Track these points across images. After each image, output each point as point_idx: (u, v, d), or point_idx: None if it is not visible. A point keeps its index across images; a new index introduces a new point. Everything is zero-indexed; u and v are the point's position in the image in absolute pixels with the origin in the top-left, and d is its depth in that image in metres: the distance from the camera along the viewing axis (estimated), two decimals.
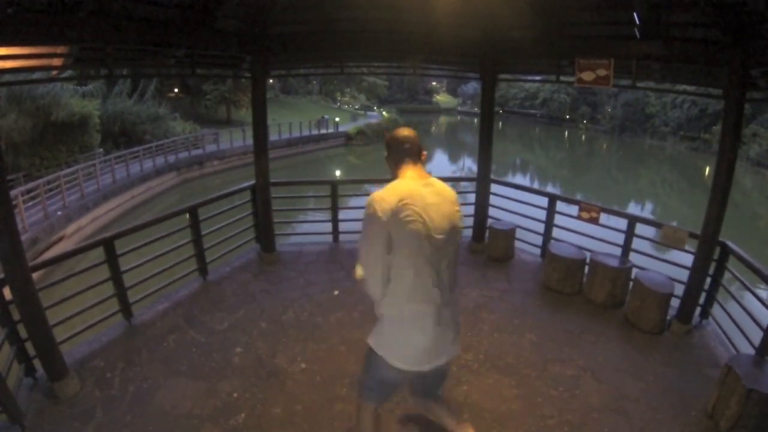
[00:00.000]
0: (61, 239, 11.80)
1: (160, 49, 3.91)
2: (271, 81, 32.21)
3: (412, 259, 1.81)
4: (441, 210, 1.84)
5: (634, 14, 3.70)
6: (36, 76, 7.40)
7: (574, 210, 5.11)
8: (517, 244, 5.65)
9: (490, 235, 5.48)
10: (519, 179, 25.60)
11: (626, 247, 4.73)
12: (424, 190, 1.85)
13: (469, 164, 29.20)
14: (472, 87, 60.02)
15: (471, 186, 5.94)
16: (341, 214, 5.92)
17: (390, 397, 2.22)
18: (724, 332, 3.97)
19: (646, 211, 20.66)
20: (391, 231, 1.78)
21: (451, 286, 1.95)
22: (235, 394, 3.19)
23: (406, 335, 1.91)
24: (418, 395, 2.26)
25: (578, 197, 8.14)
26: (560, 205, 5.43)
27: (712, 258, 3.96)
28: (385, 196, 1.82)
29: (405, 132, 2.00)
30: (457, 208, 1.93)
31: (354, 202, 12.00)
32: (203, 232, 4.74)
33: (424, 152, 1.99)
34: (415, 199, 1.80)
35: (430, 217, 1.81)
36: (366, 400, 2.17)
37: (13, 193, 9.84)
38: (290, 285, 4.82)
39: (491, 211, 5.86)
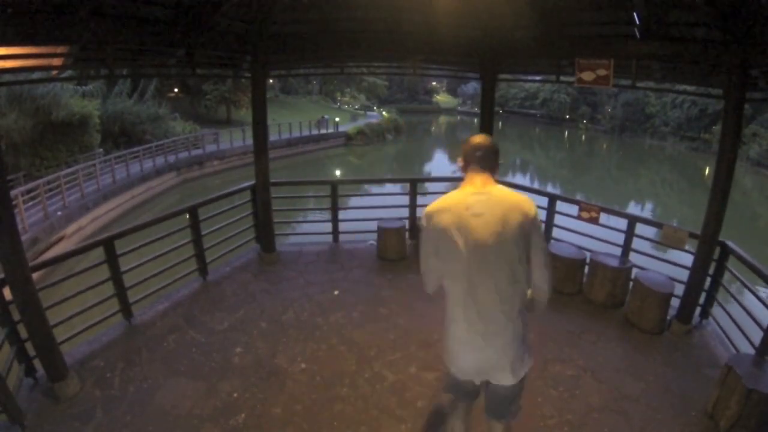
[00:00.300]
0: (61, 239, 11.80)
1: (160, 49, 3.91)
2: (271, 81, 32.21)
3: (458, 272, 1.80)
4: (486, 221, 1.73)
5: (634, 14, 3.70)
6: (36, 76, 7.40)
7: (574, 210, 5.10)
8: None
9: None
10: (519, 179, 25.59)
11: (626, 247, 4.73)
12: (472, 199, 1.78)
13: None
14: (472, 87, 60.01)
15: None
16: (341, 214, 5.92)
17: (466, 399, 2.17)
18: (724, 332, 3.97)
19: (646, 211, 20.65)
20: (434, 242, 1.82)
21: (510, 307, 1.81)
22: (235, 394, 3.19)
23: (457, 345, 1.92)
24: (486, 413, 2.16)
25: (578, 197, 8.14)
26: (560, 205, 5.42)
27: (712, 258, 3.96)
28: (432, 207, 1.84)
29: (478, 139, 1.89)
30: (520, 217, 1.74)
31: (354, 202, 12.04)
32: (203, 232, 4.74)
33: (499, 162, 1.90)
34: (455, 210, 1.77)
35: (470, 228, 1.74)
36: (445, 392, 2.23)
37: (13, 193, 9.83)
38: (290, 285, 4.82)
39: None
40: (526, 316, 1.90)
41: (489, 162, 1.85)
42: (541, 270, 1.87)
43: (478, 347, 1.85)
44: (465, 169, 1.89)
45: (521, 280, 1.82)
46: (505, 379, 1.89)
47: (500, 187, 1.84)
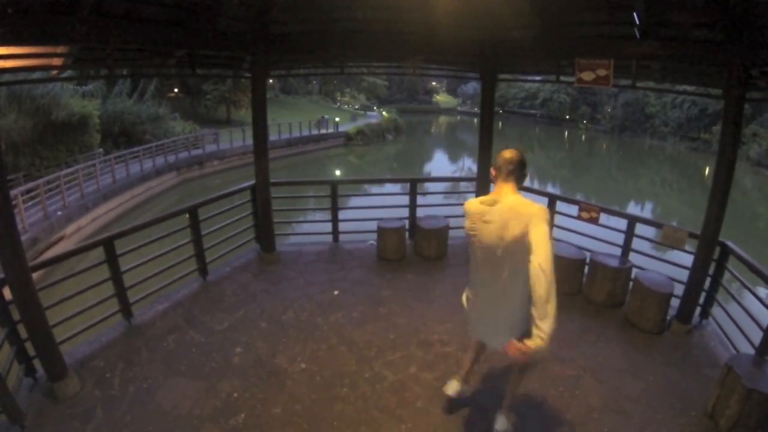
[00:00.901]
0: (61, 239, 11.80)
1: (160, 49, 3.91)
2: (271, 81, 32.21)
3: (473, 257, 2.33)
4: (492, 227, 2.17)
5: (634, 14, 3.70)
6: (36, 76, 7.40)
7: (574, 210, 5.10)
8: None
9: None
10: None
11: (626, 247, 4.73)
12: (488, 206, 2.21)
13: (469, 164, 29.21)
14: (472, 87, 59.99)
15: (471, 186, 5.95)
16: (341, 214, 5.92)
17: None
18: (724, 332, 3.97)
19: (646, 211, 20.65)
20: (466, 230, 2.32)
21: (504, 292, 2.27)
22: (235, 394, 3.19)
23: (469, 311, 2.52)
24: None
25: (578, 197, 8.14)
26: (560, 205, 5.42)
27: (712, 258, 3.96)
28: (467, 205, 2.33)
29: (509, 155, 2.24)
30: (520, 225, 2.08)
31: (354, 202, 12.03)
32: (203, 232, 4.74)
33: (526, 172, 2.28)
34: (475, 214, 2.25)
35: (480, 230, 2.22)
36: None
37: (13, 193, 9.83)
38: (290, 285, 4.82)
39: None
40: (525, 302, 2.21)
41: (515, 174, 2.22)
42: (536, 251, 2.07)
43: (479, 319, 2.44)
44: (495, 178, 2.26)
45: (519, 273, 2.15)
46: (499, 344, 2.33)
47: (514, 197, 2.18)
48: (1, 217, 2.71)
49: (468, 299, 2.54)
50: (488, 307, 2.36)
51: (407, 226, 5.66)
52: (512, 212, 2.12)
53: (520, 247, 2.08)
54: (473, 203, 2.29)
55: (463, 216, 2.37)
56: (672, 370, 3.53)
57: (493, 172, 2.28)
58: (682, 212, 19.93)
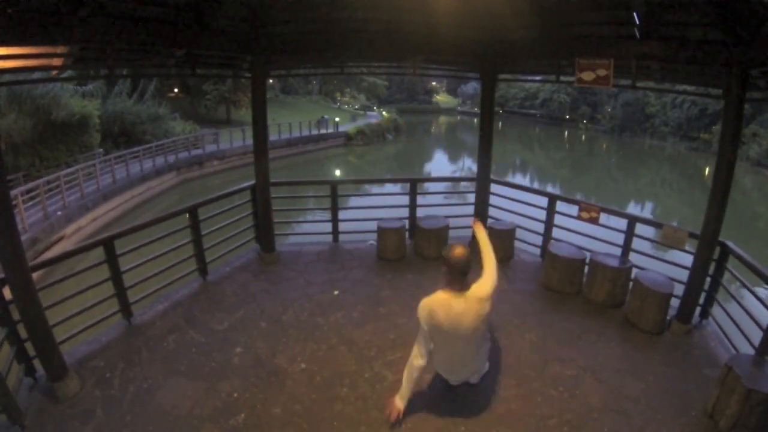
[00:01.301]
0: (61, 239, 11.80)
1: (160, 49, 3.91)
2: (271, 81, 32.21)
3: (442, 343, 2.76)
4: (461, 319, 2.65)
5: (634, 14, 3.70)
6: (36, 76, 7.40)
7: (574, 210, 5.10)
8: (517, 244, 5.64)
9: (490, 235, 5.38)
10: (519, 179, 25.58)
11: (626, 247, 4.73)
12: (454, 302, 2.66)
13: (469, 164, 29.21)
14: (472, 87, 60.03)
15: (471, 186, 5.94)
16: (341, 214, 5.91)
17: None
18: (724, 332, 3.97)
19: (646, 211, 20.65)
20: (430, 330, 2.72)
21: (470, 357, 2.89)
22: (235, 394, 3.19)
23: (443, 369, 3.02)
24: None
25: (578, 197, 8.13)
26: (560, 205, 5.42)
27: (712, 258, 3.96)
28: (426, 304, 2.72)
29: (460, 256, 2.66)
30: (482, 307, 2.67)
31: (354, 202, 12.04)
32: (203, 232, 4.74)
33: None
34: (443, 309, 2.66)
35: (451, 321, 2.65)
36: None
37: (13, 193, 9.83)
38: (290, 285, 4.82)
39: (491, 211, 5.85)
40: (487, 352, 3.02)
41: (465, 272, 2.69)
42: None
43: (453, 371, 2.98)
44: (448, 274, 2.69)
45: (484, 339, 2.90)
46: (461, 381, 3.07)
47: (470, 290, 2.69)
48: (1, 217, 2.71)
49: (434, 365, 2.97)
50: (458, 364, 2.90)
51: (407, 226, 5.66)
52: (474, 300, 2.66)
53: (481, 323, 2.69)
54: (433, 302, 2.69)
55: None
56: (672, 370, 3.53)
57: (445, 268, 2.69)
58: (682, 212, 19.93)
